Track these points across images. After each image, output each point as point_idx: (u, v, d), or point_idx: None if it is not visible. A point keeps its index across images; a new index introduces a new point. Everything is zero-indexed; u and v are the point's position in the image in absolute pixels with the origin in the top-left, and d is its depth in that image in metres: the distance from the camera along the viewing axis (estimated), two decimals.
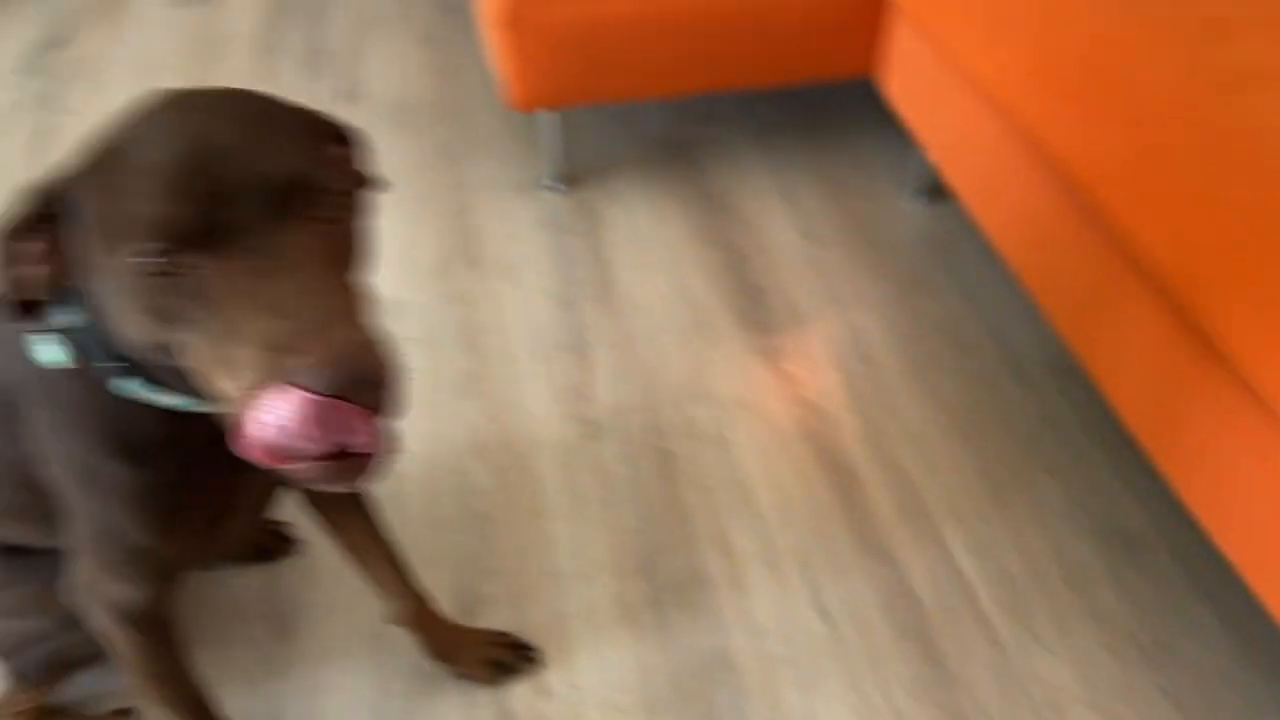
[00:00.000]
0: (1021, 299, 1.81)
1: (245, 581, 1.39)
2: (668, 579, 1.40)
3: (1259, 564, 1.11)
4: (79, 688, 1.27)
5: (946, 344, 1.74)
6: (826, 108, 2.33)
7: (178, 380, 0.78)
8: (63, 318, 0.79)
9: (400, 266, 1.89)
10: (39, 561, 1.12)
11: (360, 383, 0.60)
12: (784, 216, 2.02)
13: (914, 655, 1.31)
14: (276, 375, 0.60)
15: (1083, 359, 1.36)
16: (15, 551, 1.12)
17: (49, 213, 0.70)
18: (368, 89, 2.39)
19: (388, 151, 2.19)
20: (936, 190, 2.06)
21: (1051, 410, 1.62)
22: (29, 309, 0.74)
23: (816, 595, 1.37)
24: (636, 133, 2.26)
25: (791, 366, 1.70)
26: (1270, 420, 1.05)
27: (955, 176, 1.70)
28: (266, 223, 0.65)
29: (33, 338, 0.80)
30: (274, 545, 1.41)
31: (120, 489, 0.84)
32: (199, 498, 0.88)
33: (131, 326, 0.69)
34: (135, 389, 0.80)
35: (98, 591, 0.93)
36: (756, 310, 1.81)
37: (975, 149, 1.60)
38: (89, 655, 1.15)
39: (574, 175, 2.12)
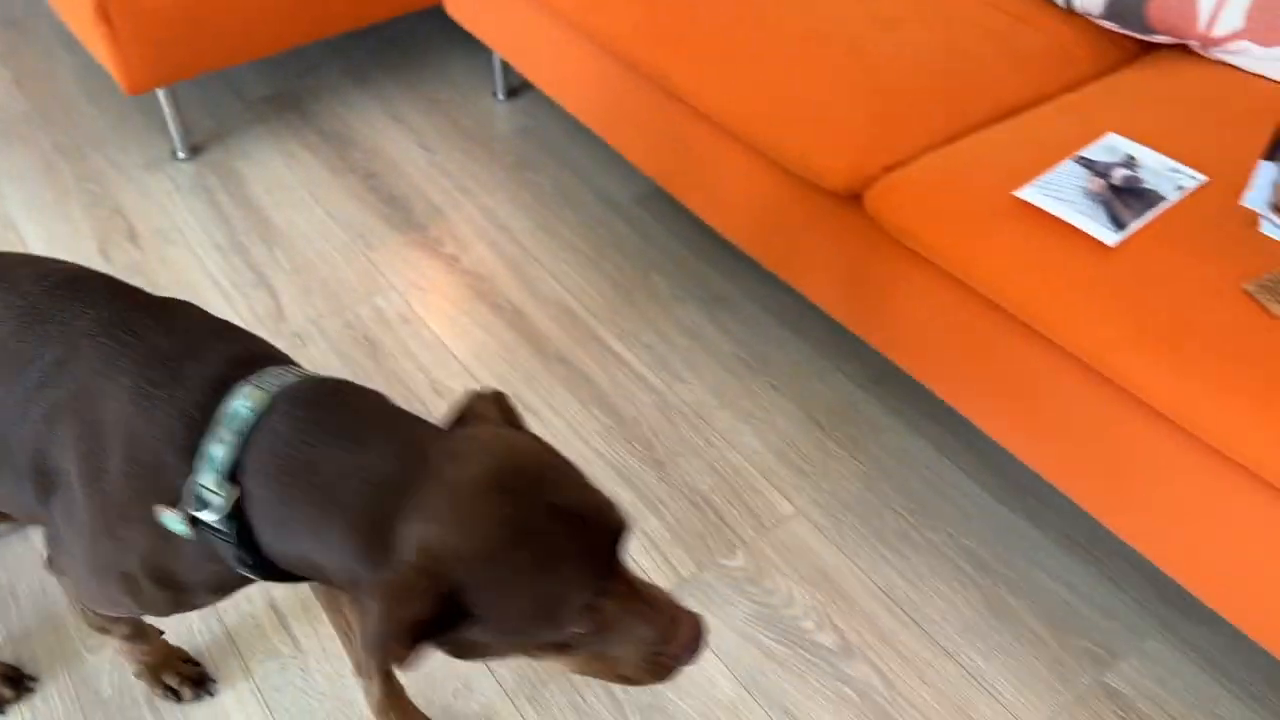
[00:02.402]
0: (606, 157, 2.29)
1: None
2: None
3: (812, 284, 1.64)
4: None
5: (561, 203, 2.18)
6: (408, 38, 2.66)
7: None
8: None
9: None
10: None
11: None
12: (399, 135, 2.35)
13: (601, 415, 1.75)
14: (660, 667, 0.85)
15: (668, 188, 1.85)
16: None
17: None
18: None
19: (5, 167, 2.25)
20: (520, 87, 2.47)
21: (647, 229, 2.11)
22: None
23: (522, 400, 1.78)
24: (247, 94, 2.47)
25: (446, 249, 2.07)
26: (744, 147, 1.57)
27: (530, 73, 2.11)
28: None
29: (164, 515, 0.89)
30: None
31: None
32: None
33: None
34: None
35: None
36: (402, 214, 2.15)
37: (540, 46, 2.02)
38: None
39: (202, 143, 2.31)
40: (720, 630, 1.46)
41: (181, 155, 2.27)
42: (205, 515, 0.86)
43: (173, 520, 0.88)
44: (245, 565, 0.89)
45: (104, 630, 1.22)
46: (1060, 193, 1.31)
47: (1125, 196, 1.30)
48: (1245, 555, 1.19)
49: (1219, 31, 1.53)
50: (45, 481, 0.96)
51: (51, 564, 1.08)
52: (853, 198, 1.47)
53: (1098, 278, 1.23)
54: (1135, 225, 1.27)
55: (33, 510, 1.02)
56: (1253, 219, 1.27)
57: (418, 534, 0.78)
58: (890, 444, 1.69)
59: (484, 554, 0.77)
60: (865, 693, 1.39)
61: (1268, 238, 1.25)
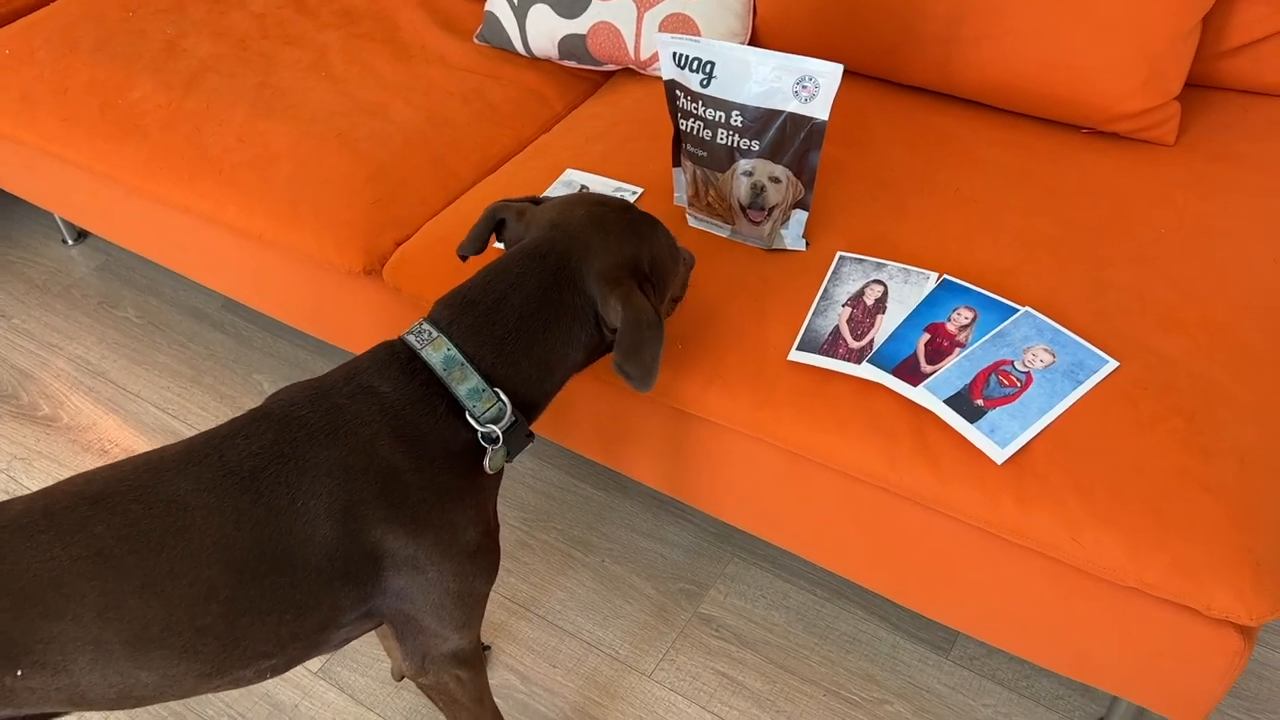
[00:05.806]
0: (172, 278, 2.35)
1: None
2: None
3: (355, 343, 1.80)
4: None
5: (151, 330, 2.23)
6: None
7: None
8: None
9: None
10: None
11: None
12: None
13: None
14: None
15: (236, 297, 1.95)
16: None
17: None
18: None
19: None
20: (83, 231, 2.48)
21: (241, 332, 2.20)
22: None
23: None
24: None
25: (42, 411, 2.07)
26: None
27: (79, 220, 2.14)
28: None
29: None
30: None
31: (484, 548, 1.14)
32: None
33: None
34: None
35: (445, 652, 1.18)
36: None
37: (77, 194, 2.06)
38: None
39: None
40: (358, 667, 1.60)
41: None
42: (505, 421, 1.10)
43: (498, 454, 1.11)
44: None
45: (481, 676, 1.28)
46: None
47: None
48: (742, 485, 1.47)
49: (645, 56, 1.82)
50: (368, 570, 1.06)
51: (427, 658, 1.17)
52: (374, 272, 1.64)
53: None
54: None
55: (349, 625, 1.09)
56: (683, 213, 1.55)
57: (603, 269, 1.15)
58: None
59: (643, 248, 1.20)
60: (507, 695, 1.58)
61: (694, 228, 1.53)
